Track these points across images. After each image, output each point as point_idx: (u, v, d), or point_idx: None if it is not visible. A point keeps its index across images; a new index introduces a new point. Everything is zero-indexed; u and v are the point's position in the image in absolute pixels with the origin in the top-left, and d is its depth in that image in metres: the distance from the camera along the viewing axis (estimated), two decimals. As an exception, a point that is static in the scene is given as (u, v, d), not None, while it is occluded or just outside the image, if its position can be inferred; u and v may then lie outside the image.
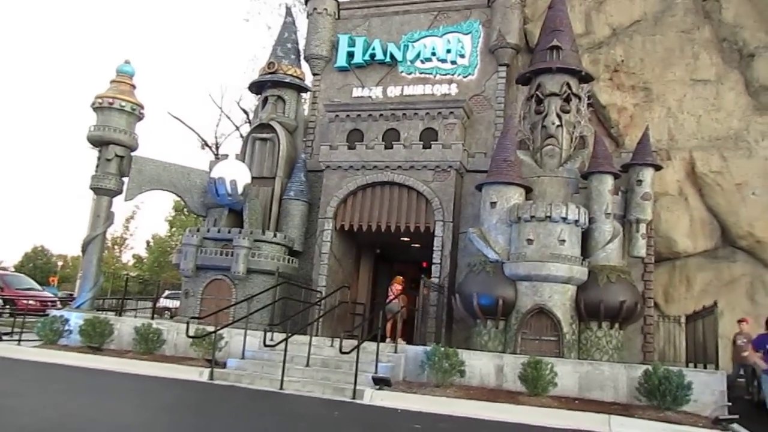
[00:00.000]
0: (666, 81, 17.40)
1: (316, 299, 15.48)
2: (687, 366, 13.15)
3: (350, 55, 19.21)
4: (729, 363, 13.76)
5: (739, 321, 14.07)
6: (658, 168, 15.08)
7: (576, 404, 10.69)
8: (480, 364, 12.02)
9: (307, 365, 12.30)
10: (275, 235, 17.04)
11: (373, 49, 18.94)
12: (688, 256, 16.55)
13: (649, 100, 17.41)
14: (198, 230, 17.09)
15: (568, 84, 15.58)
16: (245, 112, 33.54)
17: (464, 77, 18.17)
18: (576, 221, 13.79)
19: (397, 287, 15.44)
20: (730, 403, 10.79)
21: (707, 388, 10.76)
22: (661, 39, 17.75)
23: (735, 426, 9.87)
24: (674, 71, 17.43)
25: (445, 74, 18.34)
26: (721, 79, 17.22)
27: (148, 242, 45.83)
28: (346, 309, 16.28)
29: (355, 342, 11.57)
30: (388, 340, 14.39)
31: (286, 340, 11.80)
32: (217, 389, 11.19)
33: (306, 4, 20.57)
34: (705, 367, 12.20)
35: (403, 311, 15.23)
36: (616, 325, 13.77)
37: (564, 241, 13.61)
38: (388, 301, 14.80)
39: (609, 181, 14.51)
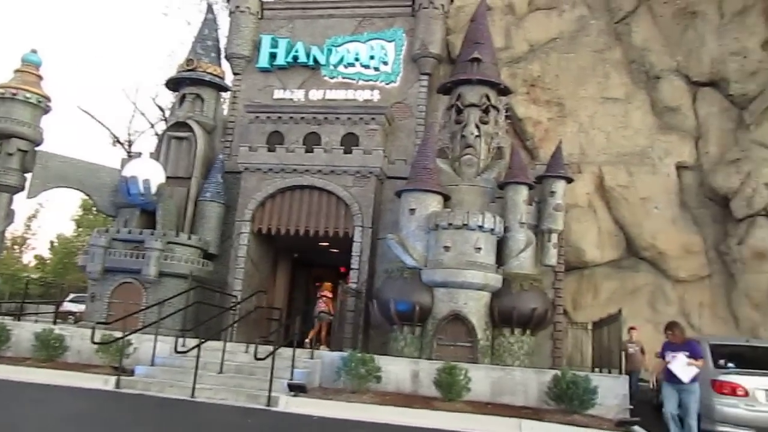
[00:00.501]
0: (579, 98, 18.17)
1: (231, 304, 15.12)
2: (593, 371, 13.69)
3: (273, 56, 18.95)
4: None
5: (630, 329, 14.67)
6: (569, 180, 15.65)
7: (488, 409, 10.92)
8: (396, 370, 12.06)
9: (221, 372, 11.98)
10: (190, 238, 16.56)
11: (296, 51, 18.77)
12: (595, 266, 17.29)
13: (563, 115, 18.12)
14: (107, 231, 16.37)
15: (487, 96, 15.93)
16: (161, 109, 32.52)
17: (387, 84, 18.29)
18: (492, 230, 14.11)
19: (323, 293, 15.37)
20: (632, 407, 11.32)
21: (611, 392, 11.24)
22: (575, 57, 18.54)
23: (636, 428, 10.39)
24: (586, 89, 18.23)
25: (368, 80, 18.40)
26: (630, 99, 18.14)
27: (52, 242, 43.31)
28: (262, 314, 15.98)
29: (270, 348, 11.36)
30: (306, 342, 14.26)
31: (198, 346, 11.44)
32: (123, 398, 10.71)
33: (228, 1, 20.18)
34: (609, 372, 12.75)
35: (323, 316, 15.14)
36: (528, 332, 14.15)
37: (480, 248, 13.89)
38: (316, 306, 14.81)
39: (524, 192, 14.94)
